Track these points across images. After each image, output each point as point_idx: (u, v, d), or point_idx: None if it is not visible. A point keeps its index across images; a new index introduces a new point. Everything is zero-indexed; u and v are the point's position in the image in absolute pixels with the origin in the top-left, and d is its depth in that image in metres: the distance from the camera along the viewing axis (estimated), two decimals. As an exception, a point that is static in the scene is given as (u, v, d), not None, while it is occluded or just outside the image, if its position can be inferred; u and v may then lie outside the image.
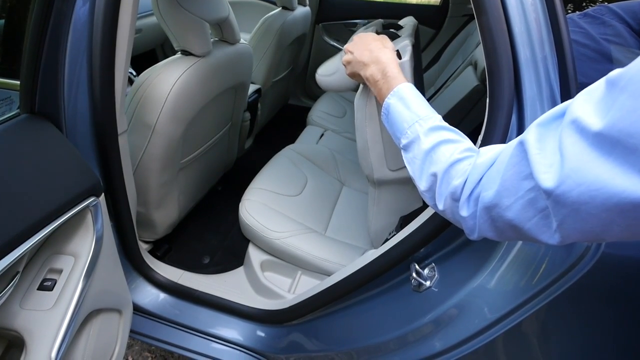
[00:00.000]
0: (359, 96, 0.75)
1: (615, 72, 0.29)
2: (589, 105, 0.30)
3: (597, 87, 0.31)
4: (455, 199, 0.43)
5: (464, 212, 0.42)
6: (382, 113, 0.58)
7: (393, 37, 0.83)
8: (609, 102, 0.28)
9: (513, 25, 0.53)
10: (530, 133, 0.35)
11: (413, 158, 0.50)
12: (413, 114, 0.52)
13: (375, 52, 0.62)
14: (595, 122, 0.28)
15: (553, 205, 0.32)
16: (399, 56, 0.70)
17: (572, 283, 0.50)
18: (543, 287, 0.52)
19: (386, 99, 0.57)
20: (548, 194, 0.31)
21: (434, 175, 0.46)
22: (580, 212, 0.30)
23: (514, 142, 0.37)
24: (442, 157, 0.46)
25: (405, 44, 0.72)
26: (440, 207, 0.46)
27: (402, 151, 0.54)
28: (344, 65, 0.69)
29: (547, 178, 0.31)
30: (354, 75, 0.68)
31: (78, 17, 0.67)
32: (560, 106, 0.34)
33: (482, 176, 0.40)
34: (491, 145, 0.43)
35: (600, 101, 0.29)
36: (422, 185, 0.49)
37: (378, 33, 0.85)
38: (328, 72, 0.81)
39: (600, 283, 0.50)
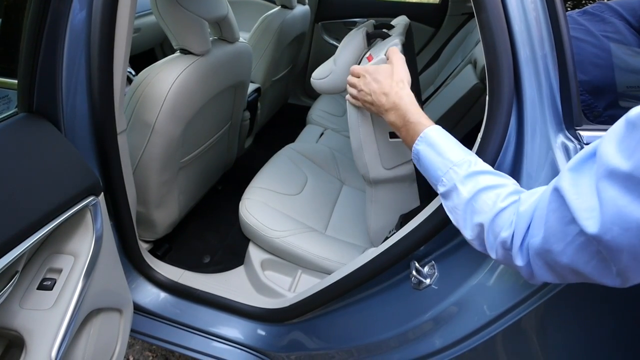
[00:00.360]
0: None
1: (634, 112, 0.29)
2: (611, 146, 0.31)
3: (617, 126, 0.31)
4: (507, 248, 0.42)
5: (519, 261, 0.41)
6: (412, 157, 0.56)
7: (384, 36, 0.83)
8: (632, 144, 0.29)
9: (513, 23, 0.53)
10: (564, 179, 0.35)
11: (454, 208, 0.49)
12: (446, 160, 0.50)
13: (391, 97, 0.59)
14: (621, 164, 0.29)
15: (607, 251, 0.32)
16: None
17: (572, 280, 0.50)
18: (542, 284, 0.52)
19: (414, 145, 0.55)
20: (597, 240, 0.31)
21: (480, 225, 0.45)
22: (638, 256, 0.30)
23: (549, 188, 0.37)
24: (485, 207, 0.44)
25: (394, 42, 0.72)
26: (493, 256, 0.45)
27: (441, 198, 0.52)
28: (362, 104, 0.67)
29: (591, 224, 0.31)
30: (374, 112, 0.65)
31: (75, 16, 0.67)
32: (588, 148, 0.35)
33: (529, 225, 0.40)
34: (531, 190, 0.43)
35: (622, 142, 0.30)
36: (468, 234, 0.48)
37: (369, 34, 0.85)
38: (322, 75, 0.81)
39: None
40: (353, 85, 0.68)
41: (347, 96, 0.71)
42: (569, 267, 0.36)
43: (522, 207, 0.41)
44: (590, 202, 0.32)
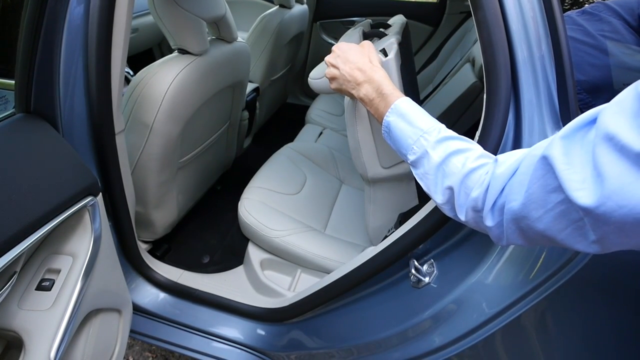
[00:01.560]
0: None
1: None
2: (623, 120, 0.29)
3: (627, 99, 0.30)
4: (477, 210, 0.43)
5: (489, 222, 0.42)
6: (382, 131, 0.56)
7: (381, 36, 0.83)
8: None
9: (510, 22, 0.53)
10: (555, 147, 0.34)
11: (425, 174, 0.49)
12: (416, 128, 0.51)
13: (368, 72, 0.60)
14: (635, 140, 0.28)
15: (593, 222, 0.31)
16: (385, 54, 0.70)
17: (570, 276, 0.50)
18: (541, 281, 0.52)
19: (385, 117, 0.55)
20: (586, 211, 0.31)
21: (450, 188, 0.46)
22: (625, 230, 0.30)
23: (536, 153, 0.37)
24: (455, 169, 0.45)
25: (390, 42, 0.72)
26: (462, 218, 0.45)
27: (410, 167, 0.52)
28: (328, 79, 0.66)
29: (583, 195, 0.31)
30: (341, 92, 0.65)
31: (73, 16, 0.66)
32: (583, 117, 0.34)
33: (504, 186, 0.40)
34: (508, 152, 0.43)
35: (636, 116, 0.29)
36: (438, 199, 0.48)
37: (365, 33, 0.85)
38: (319, 75, 0.82)
39: (598, 275, 0.50)
40: (328, 64, 0.66)
41: (327, 70, 0.69)
42: (543, 234, 0.37)
43: (499, 170, 0.41)
44: (583, 173, 0.31)
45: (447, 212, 0.49)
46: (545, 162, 0.35)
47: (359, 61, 0.61)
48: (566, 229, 0.34)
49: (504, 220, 0.40)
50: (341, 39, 0.86)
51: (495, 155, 0.47)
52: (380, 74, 0.59)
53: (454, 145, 0.47)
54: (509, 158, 0.41)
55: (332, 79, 0.65)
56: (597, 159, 0.30)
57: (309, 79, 0.84)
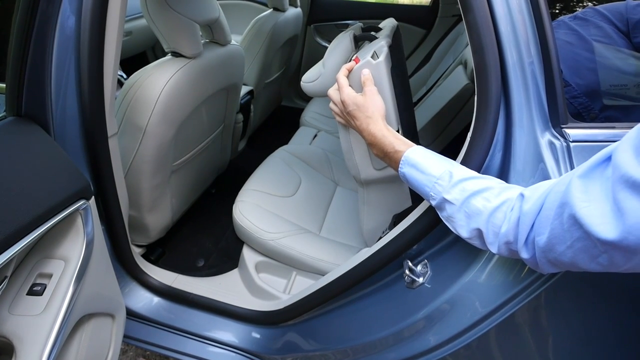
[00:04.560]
0: None
1: None
2: (631, 157, 0.32)
3: (635, 137, 0.32)
4: (509, 243, 0.45)
5: (525, 254, 0.44)
6: (401, 179, 0.59)
7: (371, 39, 0.84)
8: None
9: (499, 24, 0.54)
10: (574, 187, 0.36)
11: (449, 217, 0.51)
12: (429, 176, 0.53)
13: (366, 136, 0.63)
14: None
15: (620, 254, 0.33)
16: (375, 56, 0.70)
17: (561, 275, 0.51)
18: (533, 279, 0.53)
19: (399, 169, 0.58)
20: (610, 245, 0.33)
21: (477, 229, 0.48)
22: None
23: (559, 190, 0.38)
24: (477, 211, 0.47)
25: (381, 45, 0.73)
26: (494, 251, 0.47)
27: (437, 210, 0.54)
28: (340, 119, 0.73)
29: (605, 230, 0.33)
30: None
31: (64, 19, 0.66)
32: (598, 156, 0.36)
33: (534, 222, 0.42)
34: (533, 186, 0.45)
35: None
36: (466, 236, 0.50)
37: (356, 36, 0.86)
38: (311, 79, 0.82)
39: (590, 273, 0.51)
40: (335, 104, 0.71)
41: (331, 104, 0.72)
42: (571, 265, 0.39)
43: (527, 205, 0.42)
44: (603, 208, 0.33)
45: (477, 246, 0.50)
46: (565, 202, 0.37)
47: (360, 122, 0.65)
48: (590, 263, 0.36)
49: (535, 253, 0.42)
50: (332, 42, 0.87)
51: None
52: (378, 134, 0.61)
53: (470, 186, 0.48)
54: (535, 193, 0.43)
55: (346, 123, 0.71)
56: (616, 195, 0.32)
57: (301, 82, 0.84)
